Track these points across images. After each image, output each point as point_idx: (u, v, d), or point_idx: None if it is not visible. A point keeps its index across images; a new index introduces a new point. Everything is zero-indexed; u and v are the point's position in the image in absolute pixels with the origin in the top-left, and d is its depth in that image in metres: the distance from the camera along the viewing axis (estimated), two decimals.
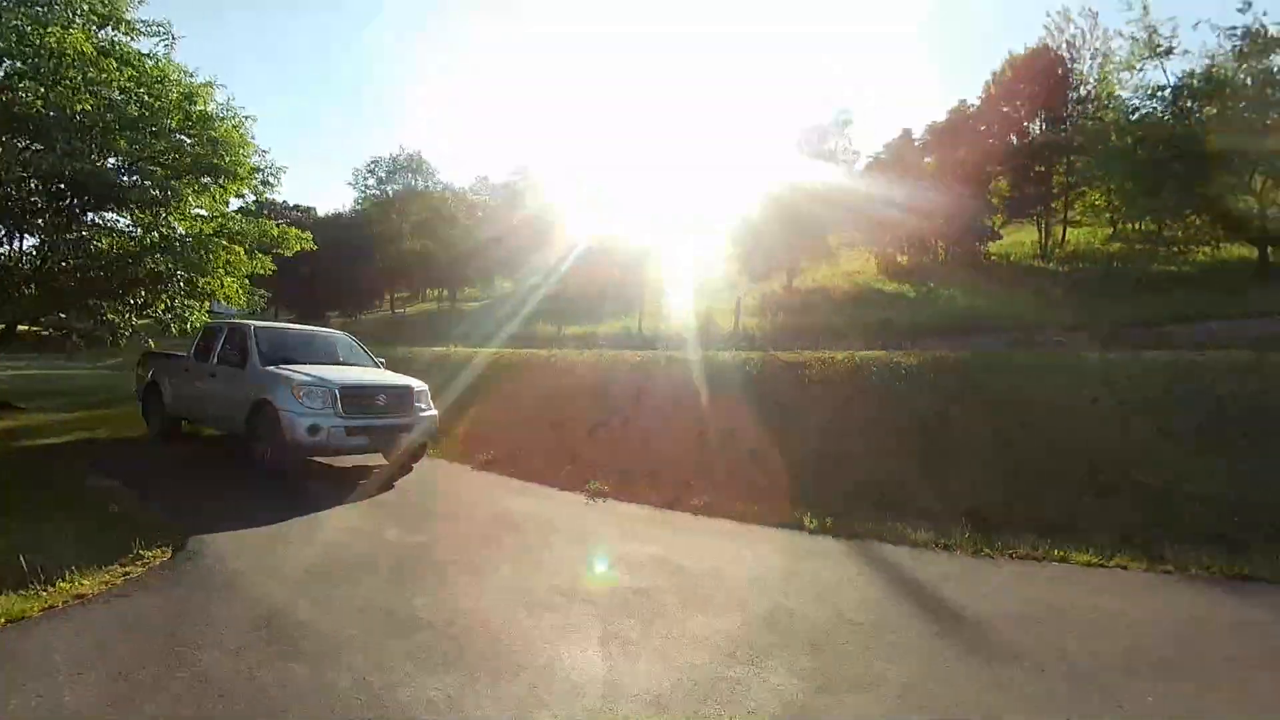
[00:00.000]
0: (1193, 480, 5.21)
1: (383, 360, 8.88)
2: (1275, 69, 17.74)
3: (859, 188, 25.44)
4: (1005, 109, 24.52)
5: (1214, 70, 18.13)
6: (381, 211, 36.05)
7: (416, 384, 7.70)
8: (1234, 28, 17.69)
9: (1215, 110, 17.79)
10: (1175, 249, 19.71)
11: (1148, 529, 4.86)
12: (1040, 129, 24.06)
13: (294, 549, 4.62)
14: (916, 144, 26.49)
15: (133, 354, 11.38)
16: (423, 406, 7.64)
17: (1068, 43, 23.96)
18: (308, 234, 10.55)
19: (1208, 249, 19.01)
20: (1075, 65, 23.80)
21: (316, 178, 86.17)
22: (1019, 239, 26.25)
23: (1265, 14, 17.84)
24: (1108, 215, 22.86)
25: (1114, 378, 6.65)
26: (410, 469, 7.62)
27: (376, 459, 7.88)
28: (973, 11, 74.70)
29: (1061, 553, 4.61)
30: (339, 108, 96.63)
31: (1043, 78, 23.68)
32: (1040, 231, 24.82)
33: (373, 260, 31.83)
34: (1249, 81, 17.72)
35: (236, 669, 2.92)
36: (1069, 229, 25.39)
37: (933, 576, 4.26)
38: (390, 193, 37.69)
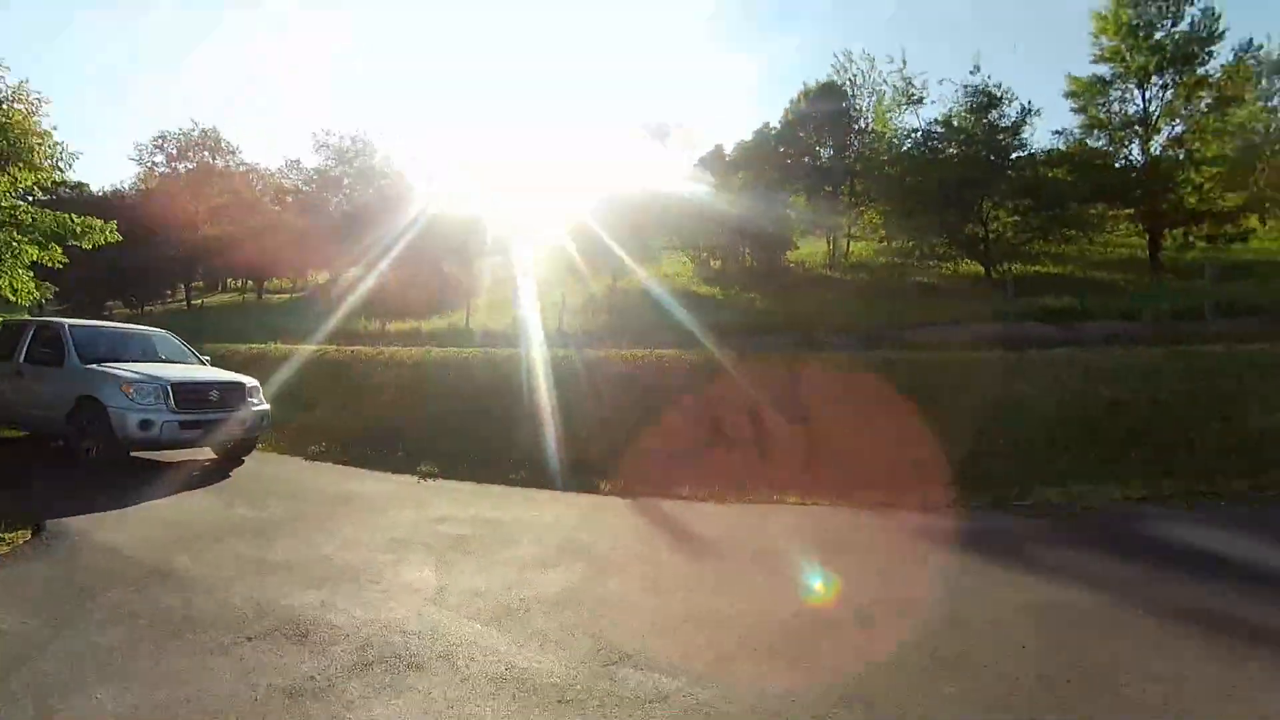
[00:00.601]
0: (861, 444, 7.55)
1: (208, 357, 9.24)
2: (996, 120, 22.56)
3: (678, 196, 28.12)
4: (801, 134, 28.48)
5: (952, 119, 22.70)
6: (173, 192, 33.00)
7: (249, 380, 8.32)
8: (968, 85, 22.30)
9: (953, 151, 22.32)
10: (929, 264, 24.35)
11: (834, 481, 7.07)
12: (828, 154, 28.28)
13: (153, 525, 5.36)
14: (728, 159, 29.76)
15: None
16: (255, 401, 8.28)
17: (850, 80, 28.43)
18: (112, 224, 10.40)
19: (949, 265, 23.75)
20: (856, 101, 28.30)
21: (85, 148, 74.77)
22: (813, 249, 30.49)
23: (989, 76, 22.70)
24: (881, 232, 27.49)
25: (828, 370, 9.04)
26: (242, 461, 8.23)
27: (205, 453, 8.38)
28: (780, 45, 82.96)
29: (779, 498, 6.61)
30: (111, 69, 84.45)
31: (830, 109, 27.89)
32: (829, 244, 29.11)
33: (163, 246, 29.22)
34: (978, 130, 22.42)
35: (143, 600, 3.87)
36: (852, 242, 30.01)
37: (688, 517, 6.02)
38: (182, 171, 34.55)
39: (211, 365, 9.14)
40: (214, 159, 35.55)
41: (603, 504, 6.56)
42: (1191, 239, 21.40)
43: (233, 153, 36.53)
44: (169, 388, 7.29)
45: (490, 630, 3.52)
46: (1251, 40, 20.87)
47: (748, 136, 30.00)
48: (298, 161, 36.13)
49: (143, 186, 35.29)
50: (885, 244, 27.01)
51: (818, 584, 4.12)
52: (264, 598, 3.95)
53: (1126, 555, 4.49)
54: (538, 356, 11.26)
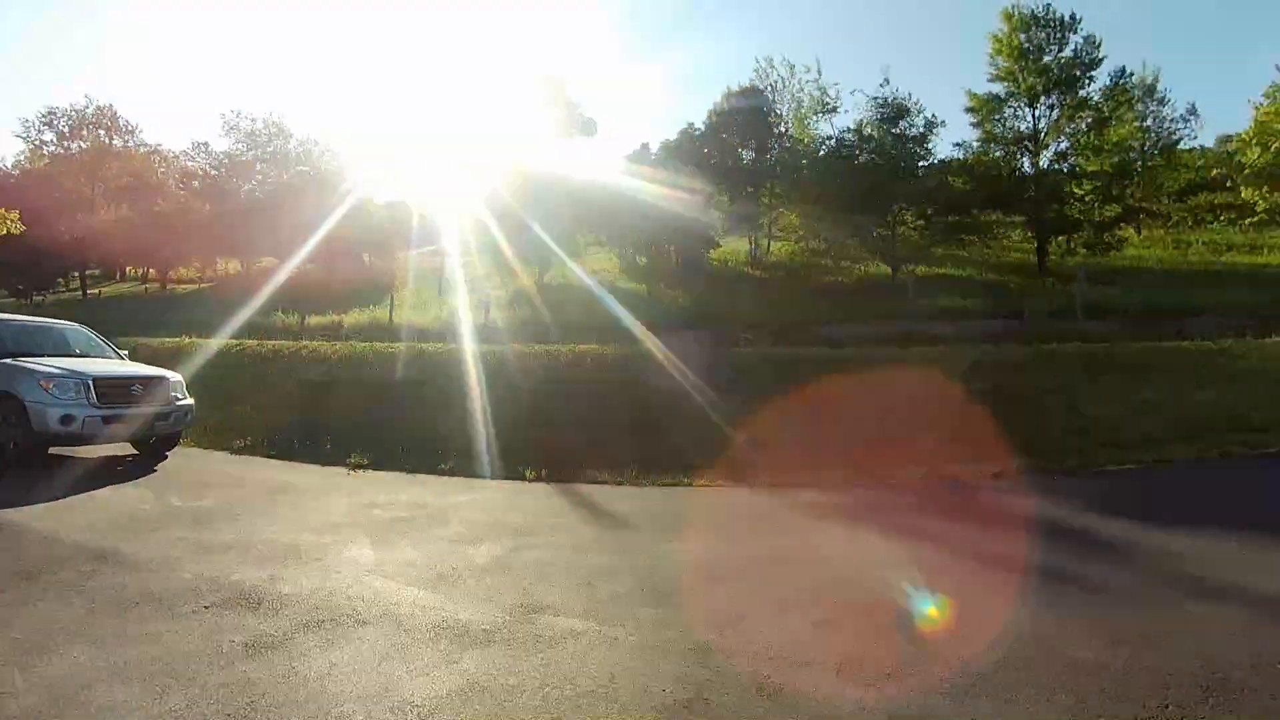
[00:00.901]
0: (761, 431, 8.44)
1: (125, 352, 9.24)
2: (905, 129, 24.18)
3: (605, 192, 28.71)
4: (724, 135, 29.56)
5: (863, 127, 24.21)
6: (65, 172, 31.07)
7: (172, 375, 8.44)
8: (877, 97, 23.82)
9: (865, 159, 23.82)
10: (842, 264, 25.90)
11: (736, 464, 7.91)
12: (750, 156, 29.49)
13: (90, 514, 5.61)
14: (654, 157, 30.53)
15: None
16: (178, 396, 8.41)
17: (771, 86, 29.74)
18: (15, 213, 10.18)
19: (859, 266, 25.35)
20: (776, 106, 29.63)
21: None
22: (736, 247, 31.75)
23: (898, 89, 24.34)
24: (799, 232, 28.94)
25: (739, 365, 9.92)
26: (165, 456, 8.36)
27: (124, 449, 8.46)
28: (703, 48, 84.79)
29: (688, 480, 7.37)
30: None
31: (751, 113, 29.09)
32: (751, 243, 30.40)
33: (54, 230, 27.57)
34: (887, 139, 23.98)
35: (96, 579, 4.22)
36: (773, 242, 31.42)
37: (602, 497, 6.68)
38: (75, 150, 32.53)
39: (129, 360, 9.15)
40: (110, 139, 33.64)
41: (528, 489, 7.15)
42: (1073, 246, 23.65)
43: (131, 132, 34.67)
44: (90, 382, 7.38)
45: (427, 593, 4.08)
46: (1125, 68, 23.24)
47: (673, 135, 30.86)
48: (205, 144, 34.69)
49: (29, 166, 33.03)
50: (802, 244, 28.51)
51: (707, 545, 4.86)
52: (213, 574, 4.37)
53: (965, 518, 5.46)
54: (465, 352, 11.68)
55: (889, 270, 24.24)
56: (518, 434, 9.02)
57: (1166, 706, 2.59)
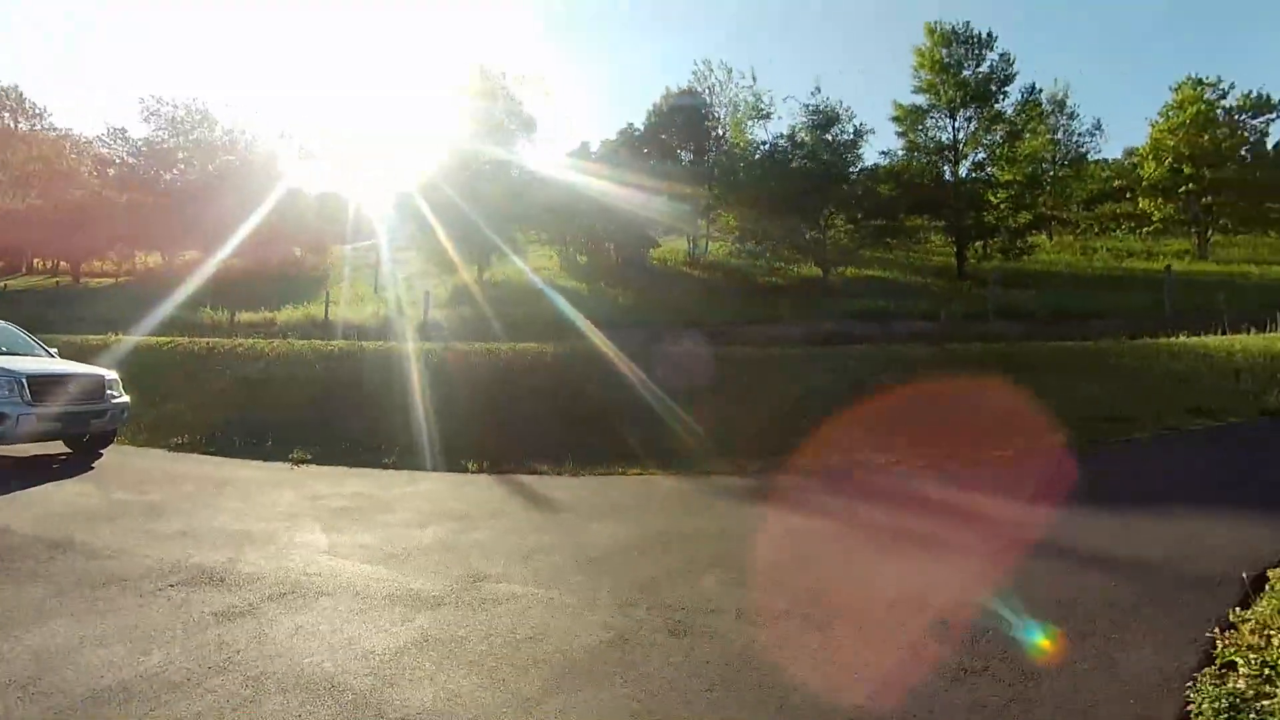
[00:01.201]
0: (692, 424, 9.12)
1: (55, 350, 9.20)
2: (836, 136, 25.42)
3: (544, 190, 29.04)
4: (663, 136, 30.35)
5: (795, 134, 25.33)
6: None
7: (107, 372, 8.51)
8: (809, 104, 24.97)
9: (795, 164, 24.94)
10: (775, 265, 26.99)
11: (667, 454, 8.56)
12: (688, 157, 30.37)
13: (37, 509, 5.79)
14: (594, 156, 31.07)
15: None
16: (114, 394, 8.49)
17: (709, 89, 30.68)
18: None
19: (792, 268, 26.51)
20: (714, 109, 30.59)
21: None
22: (675, 247, 32.57)
23: (829, 97, 25.58)
24: (735, 233, 29.97)
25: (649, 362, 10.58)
26: (100, 454, 8.43)
27: (57, 447, 8.49)
28: (640, 54, 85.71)
29: (621, 469, 7.96)
30: None
31: (690, 113, 29.98)
32: (689, 243, 31.28)
33: None
34: (819, 146, 25.15)
35: (57, 565, 4.51)
36: (710, 242, 32.40)
37: (541, 486, 7.20)
38: None
39: (59, 358, 9.12)
40: (15, 122, 31.89)
41: (470, 480, 7.60)
42: (989, 251, 25.37)
43: (39, 115, 32.95)
44: (23, 380, 7.43)
45: (379, 568, 4.54)
46: (1034, 84, 25.08)
47: (613, 135, 31.48)
48: (123, 130, 33.25)
49: None
50: (739, 245, 29.54)
51: (633, 525, 5.47)
52: (173, 558, 4.71)
53: (865, 498, 6.22)
54: (405, 350, 11.96)
55: (820, 271, 25.44)
56: (460, 429, 9.42)
57: (998, 635, 3.33)
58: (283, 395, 10.81)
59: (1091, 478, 6.17)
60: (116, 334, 14.70)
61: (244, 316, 19.90)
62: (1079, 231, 33.27)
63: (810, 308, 20.89)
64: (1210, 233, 27.86)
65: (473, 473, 7.95)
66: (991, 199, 24.84)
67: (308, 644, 3.44)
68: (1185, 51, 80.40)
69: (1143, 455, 7.11)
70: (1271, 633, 3.05)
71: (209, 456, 8.80)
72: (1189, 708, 2.59)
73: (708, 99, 30.24)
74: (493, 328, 16.52)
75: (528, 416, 9.71)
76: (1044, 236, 29.58)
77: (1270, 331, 11.47)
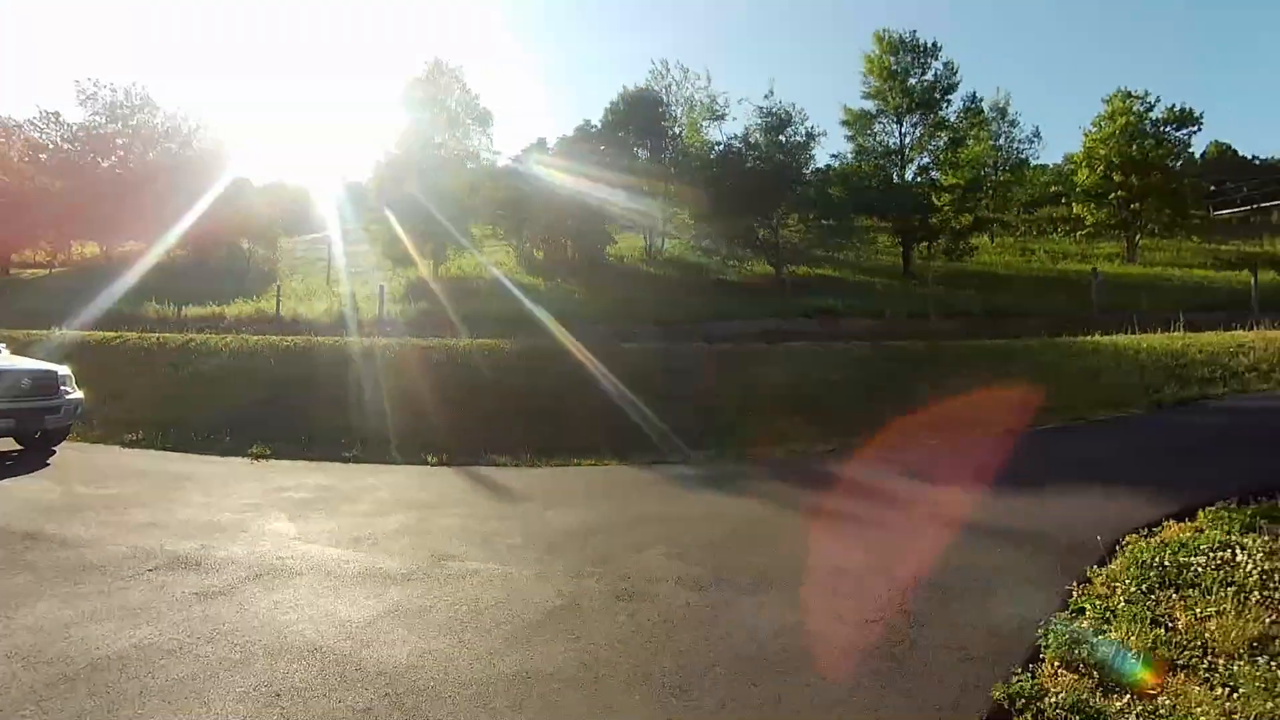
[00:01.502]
0: (642, 418, 9.61)
1: (3, 345, 9.17)
2: (789, 138, 26.17)
3: (501, 184, 29.16)
4: (620, 134, 30.69)
5: (749, 135, 26.01)
6: None
7: (61, 368, 8.56)
8: (762, 107, 25.66)
9: (750, 165, 25.62)
10: (730, 264, 27.67)
11: (622, 446, 9.03)
12: (645, 156, 30.79)
13: (0, 504, 5.94)
14: (550, 152, 31.28)
15: None
16: (68, 390, 8.54)
17: (666, 88, 31.14)
18: None
19: (745, 266, 27.22)
20: (671, 108, 31.07)
21: None
22: (632, 243, 33.00)
23: (781, 100, 26.30)
24: (692, 231, 30.56)
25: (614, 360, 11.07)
26: (54, 451, 8.48)
27: (7, 444, 8.51)
28: (597, 51, 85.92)
29: (576, 460, 8.39)
30: None
31: (647, 111, 30.38)
32: (646, 240, 31.75)
33: None
34: (771, 147, 25.87)
35: (33, 555, 4.74)
36: (667, 240, 32.92)
37: (501, 477, 7.58)
38: None
39: (7, 352, 9.10)
40: None
41: (431, 472, 7.94)
42: (933, 252, 26.52)
43: None
44: None
45: (349, 551, 4.90)
46: (975, 93, 26.28)
47: (569, 132, 31.71)
48: (57, 114, 32.04)
49: None
50: (694, 243, 30.15)
51: (587, 510, 5.92)
52: (147, 547, 4.97)
53: (801, 483, 6.80)
54: (362, 345, 12.15)
55: (774, 270, 26.21)
56: (419, 425, 9.72)
57: (900, 592, 3.88)
58: (239, 391, 10.90)
59: (1002, 463, 6.86)
60: (59, 328, 14.44)
61: (191, 311, 19.56)
62: (1019, 234, 34.86)
63: (763, 305, 21.58)
64: (1138, 237, 29.60)
65: (433, 466, 8.28)
66: (936, 202, 25.97)
67: (287, 616, 3.80)
68: (1119, 65, 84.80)
69: (1049, 442, 7.86)
70: (1117, 585, 3.68)
71: (166, 452, 8.91)
72: (1039, 642, 3.18)
73: (665, 98, 30.74)
74: (449, 323, 16.69)
75: (486, 412, 10.05)
76: (986, 238, 30.96)
77: (1174, 331, 12.53)
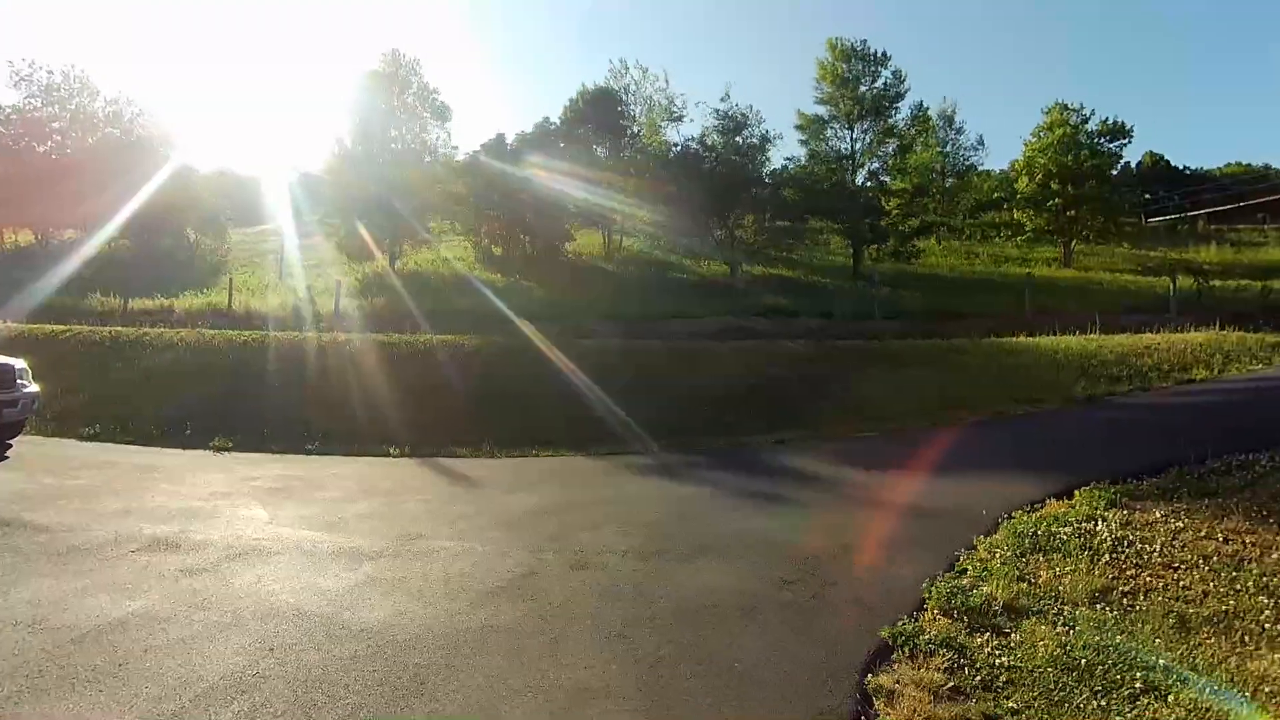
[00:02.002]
0: (606, 409, 10.14)
1: None
2: (745, 139, 26.92)
3: (458, 179, 29.22)
4: (580, 131, 31.10)
5: (706, 137, 26.69)
6: None
7: (16, 361, 8.65)
8: (718, 109, 26.35)
9: (706, 166, 26.30)
10: (687, 262, 28.36)
11: (580, 438, 9.53)
12: (604, 153, 31.25)
13: None
14: (510, 148, 31.45)
15: None
16: (24, 383, 8.64)
17: (625, 87, 31.67)
18: None
19: (702, 265, 27.94)
20: (630, 107, 31.61)
21: None
22: (591, 240, 33.43)
23: (737, 103, 27.01)
24: (650, 229, 31.15)
25: (582, 355, 11.59)
26: (10, 444, 8.57)
27: None
28: (556, 49, 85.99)
29: (536, 452, 8.87)
30: None
31: (606, 109, 30.87)
32: (605, 237, 32.23)
33: None
34: (728, 149, 26.59)
35: (14, 540, 5.03)
36: (625, 237, 33.48)
37: (463, 467, 8.01)
38: None
39: None
40: None
41: (394, 463, 8.33)
42: (881, 254, 27.63)
43: None
44: None
45: (322, 533, 5.31)
46: (921, 102, 27.47)
47: (529, 128, 31.97)
48: None
49: None
50: (652, 241, 30.76)
51: (544, 495, 6.43)
52: (125, 531, 5.30)
53: (745, 470, 7.41)
54: (321, 340, 12.37)
55: (729, 269, 26.99)
56: (379, 418, 10.04)
57: (816, 559, 4.49)
58: (196, 386, 11.03)
59: (923, 452, 7.60)
60: (4, 321, 14.24)
61: (139, 303, 19.30)
62: (964, 237, 36.43)
63: (719, 304, 22.28)
64: (1074, 243, 31.29)
65: (395, 457, 8.66)
66: (885, 206, 27.09)
67: (270, 587, 4.23)
68: (1061, 78, 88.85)
69: (969, 434, 8.66)
70: (996, 550, 4.37)
71: (126, 445, 9.08)
72: (923, 596, 3.82)
73: (624, 97, 31.25)
74: (407, 317, 16.89)
75: (446, 406, 10.43)
76: (933, 241, 32.29)
77: (1090, 333, 13.61)
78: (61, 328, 13.39)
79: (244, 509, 6.03)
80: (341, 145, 28.27)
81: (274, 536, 5.22)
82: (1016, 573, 4.03)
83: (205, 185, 36.23)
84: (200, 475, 7.35)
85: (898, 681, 3.05)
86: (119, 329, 13.27)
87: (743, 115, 26.72)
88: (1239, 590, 3.82)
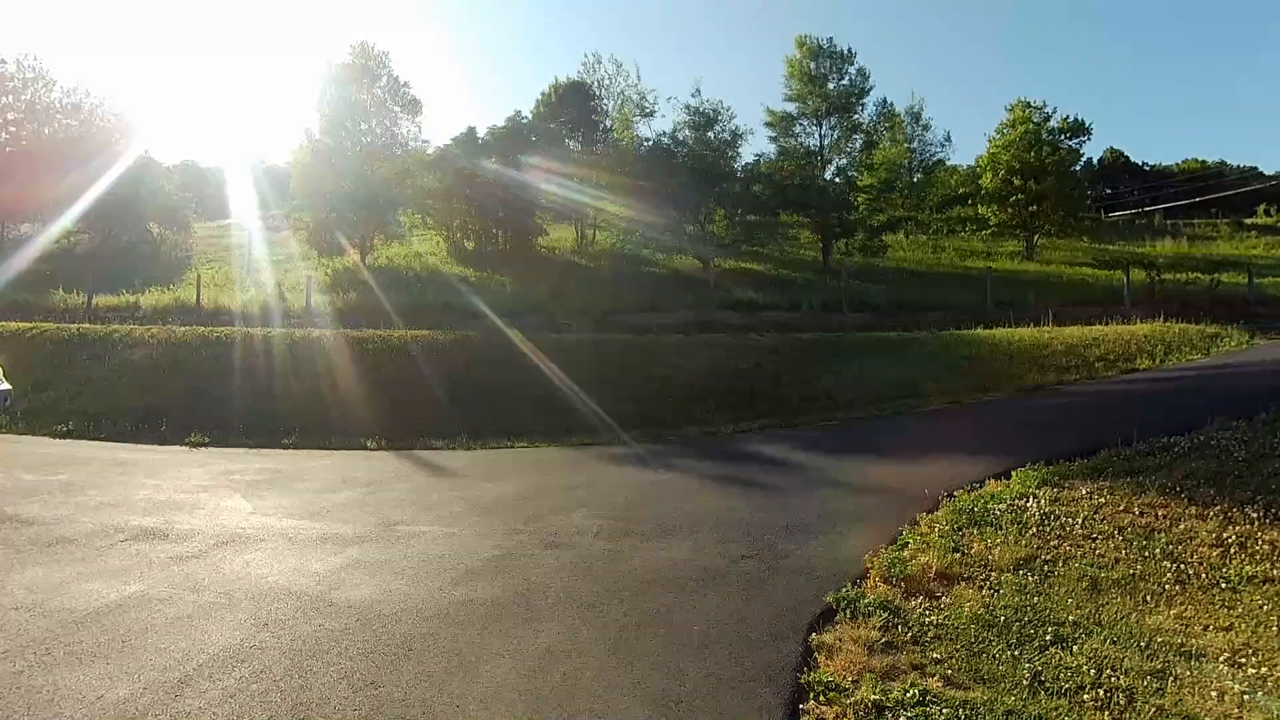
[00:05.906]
0: (576, 401, 10.46)
1: None
2: (717, 135, 27.30)
3: (430, 173, 29.18)
4: (552, 125, 31.24)
5: (677, 132, 27.03)
6: None
7: None
8: (689, 105, 26.69)
9: (679, 161, 26.64)
10: (658, 256, 28.71)
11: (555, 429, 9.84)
12: (577, 147, 31.43)
13: None
14: (481, 142, 31.48)
15: None
16: None
17: (598, 81, 31.85)
18: None
19: (674, 259, 28.31)
20: (603, 102, 31.81)
21: None
22: (564, 234, 33.62)
23: (706, 100, 27.38)
24: (622, 224, 31.44)
25: (561, 349, 11.89)
26: None
27: None
28: (527, 43, 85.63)
29: (510, 443, 9.15)
30: None
31: (579, 102, 31.06)
32: (577, 231, 32.44)
33: None
34: (699, 145, 26.95)
35: (3, 533, 5.20)
36: (598, 231, 33.73)
37: (440, 459, 8.27)
38: None
39: None
40: None
41: (371, 456, 8.56)
42: (850, 248, 28.26)
43: None
44: None
45: (305, 522, 5.57)
46: (885, 98, 28.11)
47: (501, 122, 31.96)
48: None
49: None
50: (625, 236, 31.05)
51: (520, 483, 6.75)
52: (112, 523, 5.50)
53: (710, 457, 7.78)
54: (293, 336, 12.49)
55: (700, 263, 27.39)
56: (355, 413, 10.24)
57: (773, 536, 4.88)
58: (168, 382, 11.11)
59: (880, 438, 8.06)
60: None
61: (103, 300, 19.11)
62: (931, 232, 37.29)
63: (690, 298, 22.69)
64: (1036, 237, 32.26)
65: (372, 450, 8.89)
66: (853, 201, 27.68)
67: (260, 570, 4.49)
68: (1025, 76, 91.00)
69: (924, 421, 9.17)
70: (936, 525, 4.80)
71: (100, 442, 9.18)
72: (867, 566, 4.23)
73: (597, 91, 31.43)
74: (378, 312, 16.98)
75: (420, 400, 10.66)
76: (901, 236, 33.04)
77: (1044, 325, 14.26)
78: (27, 325, 13.31)
79: (226, 500, 6.25)
80: (310, 137, 28.04)
81: (259, 525, 5.47)
82: (952, 545, 4.46)
83: (168, 177, 35.66)
84: (179, 470, 7.53)
85: (838, 639, 3.43)
86: (86, 326, 13.24)
87: (714, 111, 27.14)
88: (1147, 557, 4.29)
